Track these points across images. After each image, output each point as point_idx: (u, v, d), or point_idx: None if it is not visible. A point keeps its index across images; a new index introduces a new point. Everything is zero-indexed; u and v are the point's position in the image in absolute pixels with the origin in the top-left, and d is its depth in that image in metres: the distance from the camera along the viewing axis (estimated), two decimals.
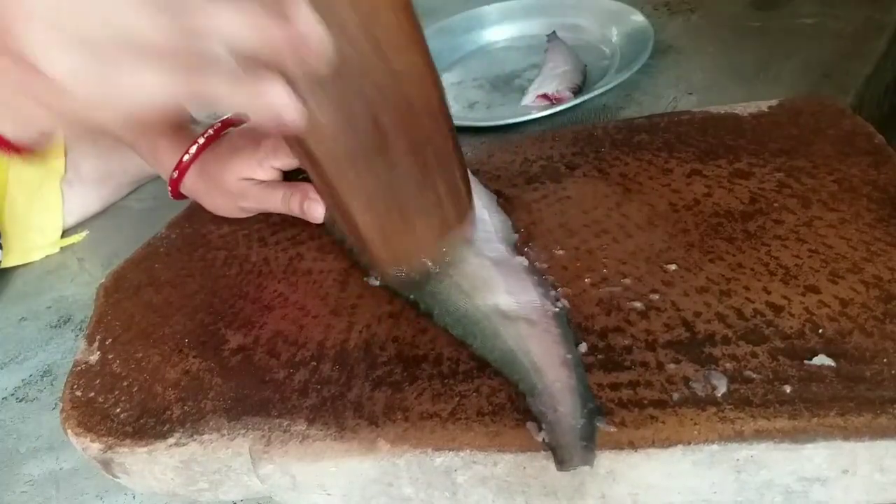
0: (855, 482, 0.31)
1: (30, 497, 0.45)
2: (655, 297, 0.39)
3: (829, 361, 0.33)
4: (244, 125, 0.55)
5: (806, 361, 0.33)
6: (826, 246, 0.40)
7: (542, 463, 0.33)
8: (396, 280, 0.43)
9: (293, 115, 0.29)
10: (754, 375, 0.33)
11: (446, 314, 0.40)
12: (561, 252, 0.43)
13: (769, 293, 0.37)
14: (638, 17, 0.75)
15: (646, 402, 0.33)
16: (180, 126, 0.55)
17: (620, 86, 0.67)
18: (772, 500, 0.33)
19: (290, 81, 0.29)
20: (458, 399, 0.35)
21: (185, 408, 0.39)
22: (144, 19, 0.27)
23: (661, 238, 0.43)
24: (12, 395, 0.54)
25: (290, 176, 0.53)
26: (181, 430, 0.38)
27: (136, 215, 0.73)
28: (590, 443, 0.32)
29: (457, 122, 0.41)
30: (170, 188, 0.55)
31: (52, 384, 0.54)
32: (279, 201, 0.51)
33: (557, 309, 0.39)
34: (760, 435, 0.31)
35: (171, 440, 0.37)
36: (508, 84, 0.77)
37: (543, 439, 0.32)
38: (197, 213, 0.56)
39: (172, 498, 0.41)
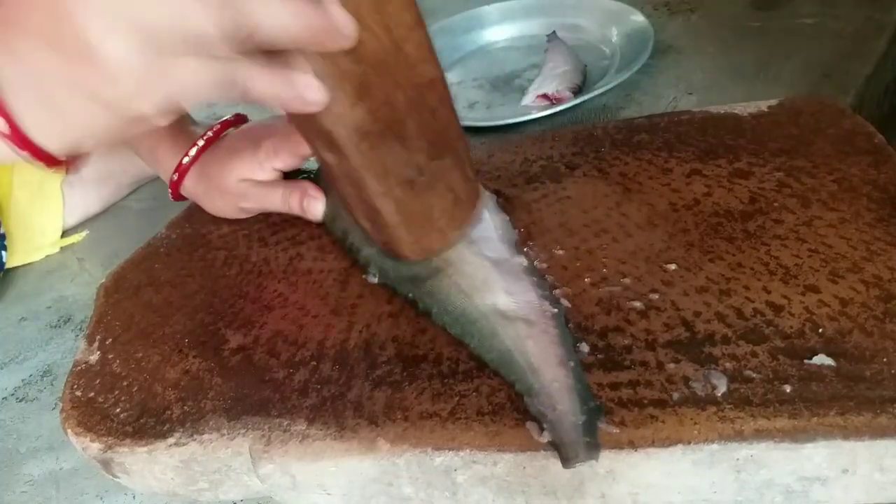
0: (855, 482, 0.31)
1: (30, 497, 0.45)
2: (655, 296, 0.39)
3: (829, 361, 0.33)
4: (244, 126, 0.55)
5: (806, 361, 0.33)
6: (826, 245, 0.40)
7: (542, 462, 0.33)
8: (396, 277, 0.43)
9: (319, 96, 0.32)
10: (754, 375, 0.33)
11: (444, 313, 0.40)
12: (561, 252, 0.43)
13: (769, 293, 0.37)
14: (638, 17, 0.75)
15: (646, 401, 0.33)
16: (180, 128, 0.55)
17: (620, 86, 0.67)
18: (772, 500, 0.33)
19: (315, 64, 0.32)
20: (457, 399, 0.35)
21: (185, 408, 0.39)
22: (196, 6, 0.28)
23: (661, 238, 0.43)
24: (12, 395, 0.54)
25: (289, 176, 0.53)
26: (181, 430, 0.38)
27: (136, 215, 0.73)
28: (593, 438, 0.32)
29: None
30: (170, 190, 0.55)
31: (52, 384, 0.54)
32: (279, 200, 0.51)
33: (556, 310, 0.39)
34: (760, 434, 0.31)
35: (171, 440, 0.37)
36: (508, 84, 0.77)
37: (547, 439, 0.32)
38: (197, 213, 0.56)
39: (172, 498, 0.41)
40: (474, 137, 0.63)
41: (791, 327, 0.35)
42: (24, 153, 0.32)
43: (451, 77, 0.79)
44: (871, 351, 0.33)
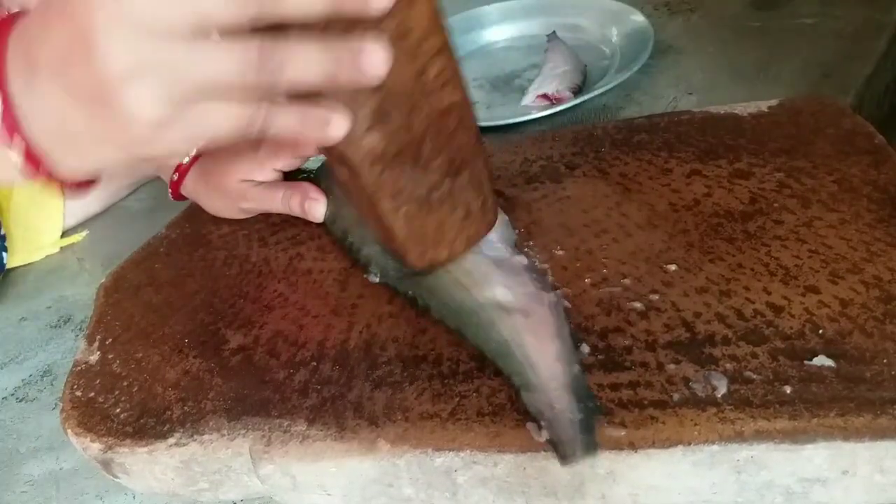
0: (855, 483, 0.31)
1: (30, 497, 0.45)
2: (655, 297, 0.39)
3: (829, 362, 0.33)
4: None
5: (806, 362, 0.33)
6: (826, 246, 0.40)
7: (543, 463, 0.33)
8: (397, 275, 0.43)
9: (340, 131, 0.31)
10: (754, 376, 0.33)
11: (443, 307, 0.40)
12: (561, 252, 0.43)
13: (769, 293, 0.37)
14: (638, 17, 0.75)
15: (646, 402, 0.33)
16: None
17: (620, 86, 0.67)
18: (772, 501, 0.33)
19: (339, 98, 0.31)
20: (458, 399, 0.35)
21: (186, 408, 0.39)
22: (233, 55, 0.27)
23: (661, 238, 0.43)
24: (12, 395, 0.54)
25: (289, 176, 0.53)
26: (181, 430, 0.38)
27: (136, 215, 0.73)
28: (591, 435, 0.32)
29: None
30: (170, 190, 0.55)
31: (52, 384, 0.54)
32: (279, 201, 0.51)
33: (554, 297, 0.39)
34: (760, 435, 0.31)
35: (171, 440, 0.37)
36: (508, 84, 0.77)
37: (545, 437, 0.32)
38: (197, 213, 0.56)
39: (172, 498, 0.41)
40: None
41: (791, 328, 0.35)
42: (40, 176, 0.32)
43: None
44: (871, 352, 0.33)
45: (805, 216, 0.42)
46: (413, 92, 0.34)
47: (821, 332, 0.35)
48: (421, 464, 0.34)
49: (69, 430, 0.40)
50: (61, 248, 0.70)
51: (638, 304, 0.38)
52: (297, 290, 0.46)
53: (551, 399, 0.33)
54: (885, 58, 0.64)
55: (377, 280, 0.44)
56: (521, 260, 0.43)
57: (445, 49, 0.34)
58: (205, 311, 0.46)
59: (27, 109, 0.30)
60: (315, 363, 0.40)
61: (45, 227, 0.71)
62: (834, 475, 0.31)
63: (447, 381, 0.36)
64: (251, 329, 0.43)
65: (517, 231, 0.45)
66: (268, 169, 0.52)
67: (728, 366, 0.34)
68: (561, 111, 0.66)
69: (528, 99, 0.71)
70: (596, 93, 0.66)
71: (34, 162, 0.31)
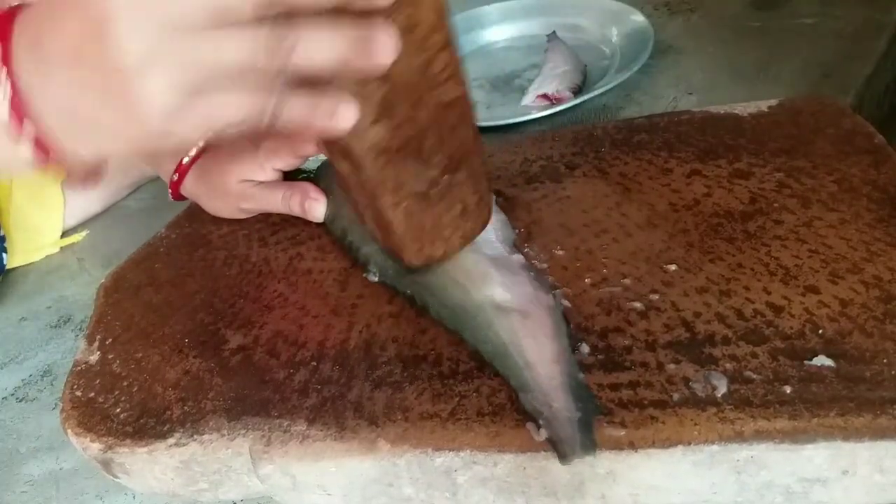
0: (855, 483, 0.31)
1: (30, 497, 0.45)
2: (655, 297, 0.39)
3: (829, 362, 0.33)
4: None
5: (806, 362, 0.33)
6: (826, 246, 0.40)
7: (543, 463, 0.33)
8: (396, 274, 0.43)
9: (349, 120, 0.31)
10: (754, 376, 0.33)
11: (442, 306, 0.40)
12: (561, 252, 0.43)
13: (769, 293, 0.37)
14: (638, 17, 0.75)
15: (646, 402, 0.33)
16: None
17: (620, 86, 0.67)
18: (772, 501, 0.33)
19: (340, 84, 0.31)
20: (458, 399, 0.35)
21: (185, 408, 0.39)
22: (245, 42, 0.27)
23: (661, 238, 0.43)
24: (12, 395, 0.54)
25: (289, 176, 0.53)
26: (181, 430, 0.38)
27: (136, 215, 0.73)
28: (589, 433, 0.32)
29: None
30: (170, 190, 0.55)
31: (52, 384, 0.54)
32: (279, 201, 0.51)
33: (551, 299, 0.39)
34: (760, 435, 0.31)
35: (171, 440, 0.37)
36: (508, 84, 0.77)
37: (543, 436, 0.32)
38: (197, 213, 0.56)
39: (172, 498, 0.41)
40: None
41: (791, 328, 0.35)
42: (51, 163, 0.32)
43: None
44: (871, 352, 0.33)
45: (805, 216, 0.42)
46: (418, 85, 0.35)
47: (821, 331, 0.35)
48: (421, 464, 0.34)
49: (69, 430, 0.40)
50: (61, 248, 0.70)
51: (638, 304, 0.38)
52: (297, 290, 0.46)
53: (549, 398, 0.33)
54: (885, 58, 0.64)
55: (376, 279, 0.45)
56: (520, 259, 0.43)
57: (450, 44, 0.35)
58: (205, 311, 0.46)
59: (38, 99, 0.30)
60: (315, 363, 0.40)
61: (45, 227, 0.71)
62: (834, 475, 0.31)
63: (447, 381, 0.36)
64: (251, 329, 0.43)
65: (517, 231, 0.46)
66: (268, 169, 0.52)
67: (728, 366, 0.34)
68: (561, 111, 0.66)
69: (528, 99, 0.71)
70: (596, 93, 0.66)
71: (44, 151, 0.31)
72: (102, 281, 0.52)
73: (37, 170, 0.32)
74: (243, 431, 0.37)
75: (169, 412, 0.39)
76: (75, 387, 0.42)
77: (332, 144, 0.38)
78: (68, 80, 0.29)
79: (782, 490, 0.32)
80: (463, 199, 0.41)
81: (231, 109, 0.29)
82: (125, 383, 0.41)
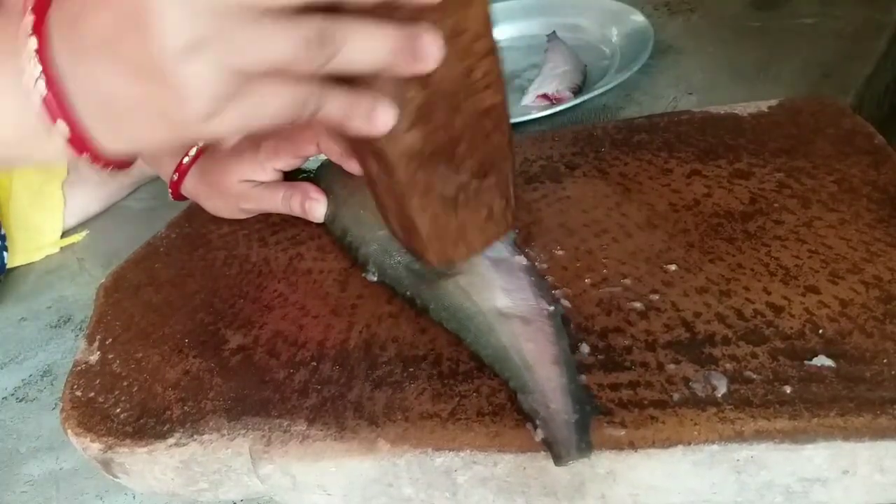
0: (855, 483, 0.31)
1: (30, 497, 0.45)
2: (655, 297, 0.39)
3: (829, 362, 0.33)
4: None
5: (806, 362, 0.33)
6: (826, 246, 0.40)
7: (542, 463, 0.33)
8: (395, 275, 0.43)
9: (389, 121, 0.31)
10: (754, 376, 0.33)
11: (442, 309, 0.40)
12: (561, 252, 0.43)
13: (769, 293, 0.37)
14: (638, 17, 0.75)
15: (646, 402, 0.33)
16: None
17: (620, 86, 0.67)
18: (772, 501, 0.33)
19: (381, 87, 0.31)
20: (458, 399, 0.35)
21: (185, 408, 0.39)
22: (289, 31, 0.27)
23: (661, 238, 0.43)
24: (12, 395, 0.54)
25: (289, 176, 0.53)
26: (181, 430, 0.38)
27: (136, 215, 0.73)
28: (585, 436, 0.32)
29: None
30: (170, 190, 0.55)
31: (52, 384, 0.54)
32: (280, 202, 0.51)
33: (552, 308, 0.39)
34: (760, 435, 0.31)
35: (171, 440, 0.37)
36: (508, 84, 0.76)
37: (539, 437, 0.32)
38: (197, 213, 0.56)
39: (172, 498, 0.41)
40: None
41: (791, 328, 0.35)
42: (85, 154, 0.31)
43: None
44: (871, 352, 0.33)
45: (805, 216, 0.42)
46: (458, 91, 0.34)
47: (821, 332, 0.35)
48: (421, 464, 0.34)
49: (69, 430, 0.40)
50: (61, 248, 0.70)
51: (638, 304, 0.38)
52: (297, 290, 0.46)
53: (547, 399, 0.33)
54: (885, 58, 0.64)
55: (375, 279, 0.45)
56: (521, 260, 0.43)
57: (493, 51, 0.35)
58: (205, 311, 0.46)
59: (74, 89, 0.29)
60: (315, 363, 0.40)
61: (46, 227, 0.71)
62: (834, 475, 0.31)
63: (447, 381, 0.36)
64: (251, 329, 0.43)
65: (517, 231, 0.45)
66: (268, 169, 0.51)
67: (728, 366, 0.34)
68: (561, 111, 0.66)
69: (528, 99, 0.71)
70: (596, 93, 0.66)
71: (79, 143, 0.31)
72: (102, 281, 0.52)
73: (70, 161, 0.32)
74: (243, 431, 0.37)
75: (169, 412, 0.39)
76: (75, 387, 0.42)
77: (363, 146, 0.37)
78: (106, 67, 0.28)
79: (782, 490, 0.32)
80: (489, 204, 0.40)
81: (273, 103, 0.29)
82: (125, 383, 0.41)
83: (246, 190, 0.52)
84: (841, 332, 0.35)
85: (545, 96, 0.69)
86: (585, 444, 0.31)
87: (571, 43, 0.78)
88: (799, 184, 0.45)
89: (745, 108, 0.53)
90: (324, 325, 0.42)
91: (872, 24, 0.68)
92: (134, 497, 0.44)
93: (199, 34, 0.26)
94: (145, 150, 0.33)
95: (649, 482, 0.32)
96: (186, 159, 0.53)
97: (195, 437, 0.37)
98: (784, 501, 0.32)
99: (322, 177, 0.52)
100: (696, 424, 0.32)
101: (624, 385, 0.34)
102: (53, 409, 0.51)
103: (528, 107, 0.70)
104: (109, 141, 0.31)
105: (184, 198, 0.56)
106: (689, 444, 0.31)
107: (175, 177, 0.54)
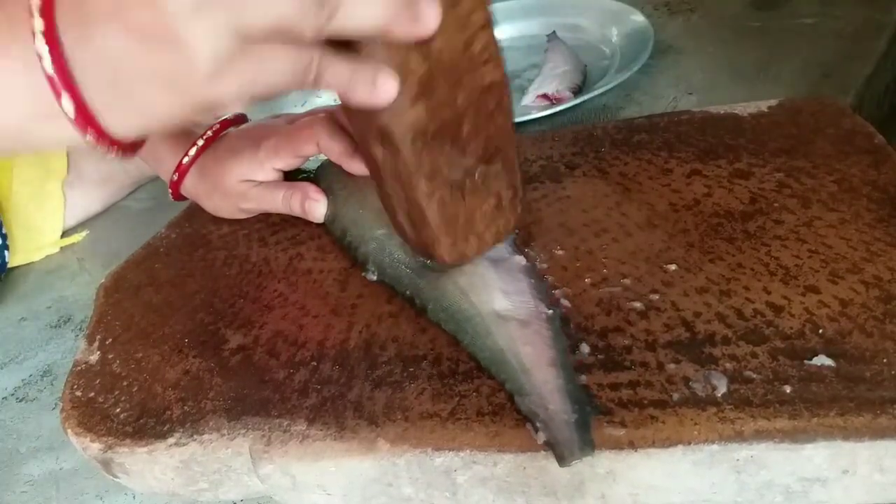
0: (855, 482, 0.31)
1: (30, 497, 0.45)
2: (655, 297, 0.39)
3: (829, 361, 0.33)
4: (244, 126, 0.55)
5: (806, 361, 0.33)
6: (826, 246, 0.40)
7: (542, 463, 0.33)
8: (394, 274, 0.43)
9: (392, 89, 0.32)
10: (754, 375, 0.33)
11: (440, 310, 0.40)
12: (561, 252, 0.43)
13: (769, 293, 0.37)
14: (638, 17, 0.75)
15: (646, 402, 0.33)
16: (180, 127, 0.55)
17: (620, 86, 0.67)
18: (772, 501, 0.33)
19: (382, 57, 0.32)
20: (457, 399, 0.35)
21: (185, 408, 0.39)
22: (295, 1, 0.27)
23: (661, 238, 0.43)
24: (12, 395, 0.54)
25: (289, 176, 0.53)
26: (181, 430, 0.38)
27: (136, 215, 0.73)
28: (586, 435, 0.32)
29: None
30: (170, 190, 0.55)
31: (52, 384, 0.54)
32: (279, 202, 0.51)
33: (550, 311, 0.39)
34: (760, 435, 0.31)
35: (171, 440, 0.37)
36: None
37: (542, 439, 0.32)
38: (197, 213, 0.56)
39: (172, 498, 0.41)
40: None
41: (791, 328, 0.35)
42: (89, 137, 0.31)
43: None
44: (871, 352, 0.33)
45: (805, 216, 0.42)
46: (459, 64, 0.34)
47: (821, 331, 0.35)
48: (421, 463, 0.34)
49: (69, 430, 0.40)
50: (61, 248, 0.70)
51: (638, 304, 0.38)
52: (297, 290, 0.46)
53: (545, 401, 0.33)
54: (885, 58, 0.64)
55: (374, 278, 0.45)
56: (520, 260, 0.43)
57: (489, 25, 0.35)
58: (205, 311, 0.46)
59: (80, 62, 0.29)
60: (315, 363, 0.40)
61: (46, 226, 0.71)
62: (834, 475, 0.31)
63: (447, 381, 0.36)
64: (251, 329, 0.43)
65: (517, 231, 0.45)
66: (268, 169, 0.52)
67: (728, 365, 0.34)
68: (561, 111, 0.66)
69: (528, 99, 0.71)
70: (596, 93, 0.66)
71: (84, 122, 0.30)
72: (102, 281, 0.52)
73: (78, 141, 0.32)
74: (243, 431, 0.37)
75: (169, 412, 0.39)
76: (75, 387, 0.42)
77: (367, 128, 0.37)
78: (114, 36, 0.28)
79: (782, 489, 0.32)
80: (497, 192, 0.40)
81: (275, 67, 0.29)
82: (125, 383, 0.41)
83: (246, 190, 0.52)
84: (841, 332, 0.35)
85: (545, 96, 0.69)
86: (587, 443, 0.31)
87: (571, 43, 0.78)
88: (799, 184, 0.45)
89: (745, 108, 0.53)
90: (324, 325, 0.42)
91: (872, 24, 0.68)
92: (134, 497, 0.44)
93: None
94: (153, 127, 0.32)
95: (649, 482, 0.32)
96: (186, 159, 0.53)
97: (195, 436, 0.37)
98: (784, 501, 0.32)
99: (322, 177, 0.52)
100: (696, 424, 0.32)
101: (624, 385, 0.34)
102: (53, 409, 0.51)
103: (528, 107, 0.70)
104: (117, 119, 0.31)
105: (184, 198, 0.56)
106: (689, 443, 0.31)
107: (175, 177, 0.54)
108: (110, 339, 0.45)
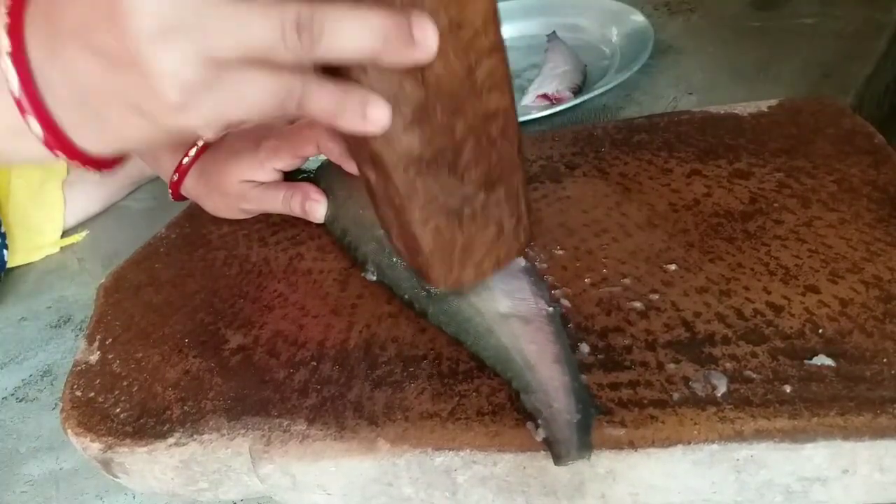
0: (855, 482, 0.31)
1: (30, 497, 0.45)
2: (655, 297, 0.39)
3: (828, 361, 0.33)
4: (244, 126, 0.55)
5: (806, 361, 0.33)
6: (826, 246, 0.40)
7: (542, 463, 0.33)
8: (393, 276, 0.43)
9: (382, 115, 0.29)
10: (754, 375, 0.33)
11: (441, 312, 0.40)
12: (561, 252, 0.43)
13: (769, 293, 0.37)
14: (638, 17, 0.75)
15: (646, 401, 0.33)
16: None
17: (620, 86, 0.67)
18: (772, 500, 0.33)
19: (374, 82, 0.29)
20: (457, 399, 0.35)
21: (185, 408, 0.39)
22: (267, 14, 0.26)
23: (661, 238, 0.43)
24: (12, 395, 0.54)
25: (289, 176, 0.53)
26: (181, 430, 0.38)
27: (136, 215, 0.73)
28: (586, 436, 0.32)
29: None
30: (170, 190, 0.55)
31: (52, 384, 0.54)
32: (280, 202, 0.51)
33: (551, 309, 0.39)
34: (760, 435, 0.31)
35: (171, 440, 0.37)
36: None
37: (541, 436, 0.32)
38: (197, 213, 0.56)
39: (172, 498, 0.41)
40: None
41: (791, 328, 0.35)
42: (61, 155, 0.30)
43: None
44: (871, 351, 0.33)
45: (805, 216, 0.42)
46: (460, 91, 0.32)
47: (821, 331, 0.35)
48: (421, 463, 0.34)
49: (69, 430, 0.40)
50: (61, 248, 0.70)
51: (638, 304, 0.38)
52: (297, 290, 0.46)
53: (550, 398, 0.33)
54: (885, 58, 0.64)
55: (374, 278, 0.45)
56: (520, 262, 0.43)
57: (498, 49, 0.33)
58: (205, 311, 0.46)
59: (49, 81, 0.28)
60: (315, 363, 0.40)
61: (46, 227, 0.71)
62: (834, 474, 0.31)
63: (447, 381, 0.36)
64: (251, 329, 0.43)
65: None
66: (268, 169, 0.51)
67: (728, 365, 0.34)
68: (561, 111, 0.66)
69: (528, 99, 0.71)
70: (596, 93, 0.66)
71: (54, 143, 0.30)
72: (102, 281, 0.52)
73: (51, 159, 0.31)
74: (243, 431, 0.37)
75: (169, 412, 0.39)
76: (75, 387, 0.42)
77: (360, 150, 0.35)
78: (81, 58, 0.27)
79: (782, 489, 0.32)
80: (498, 221, 0.38)
81: (251, 94, 0.27)
82: (125, 383, 0.41)
83: (246, 190, 0.52)
84: (841, 332, 0.35)
85: (545, 96, 0.69)
86: (585, 445, 0.31)
87: (571, 43, 0.78)
88: (799, 183, 0.45)
89: (745, 108, 0.53)
90: (324, 325, 0.42)
91: (872, 24, 0.68)
92: (134, 497, 0.44)
93: (171, 19, 0.25)
94: (128, 147, 0.31)
95: (649, 481, 0.32)
96: (186, 159, 0.53)
97: (195, 436, 0.37)
98: (784, 501, 0.32)
99: (322, 177, 0.52)
100: (695, 424, 0.32)
101: (624, 384, 0.34)
102: (53, 409, 0.51)
103: (528, 107, 0.70)
104: (88, 140, 0.30)
105: (184, 198, 0.56)
106: (689, 443, 0.31)
107: (175, 177, 0.54)
108: (110, 339, 0.45)
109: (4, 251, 0.67)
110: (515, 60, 0.80)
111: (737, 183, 0.46)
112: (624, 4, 0.79)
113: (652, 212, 0.45)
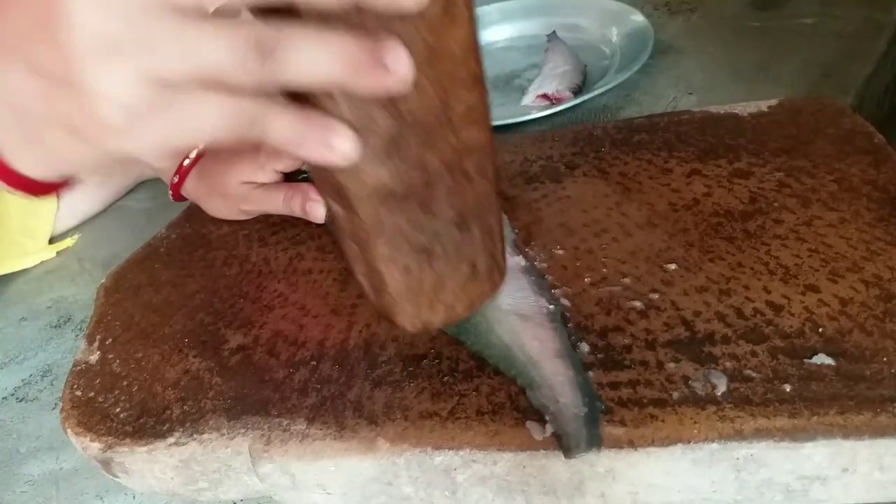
0: (855, 481, 0.31)
1: (30, 497, 0.45)
2: (655, 296, 0.39)
3: (828, 360, 0.33)
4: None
5: (806, 360, 0.33)
6: (826, 245, 0.40)
7: (542, 462, 0.33)
8: None
9: (350, 147, 0.26)
10: (754, 374, 0.33)
11: None
12: (561, 252, 0.43)
13: (769, 292, 0.37)
14: (638, 17, 0.75)
15: (645, 400, 0.33)
16: None
17: (620, 86, 0.67)
18: (772, 499, 0.33)
19: (341, 111, 0.27)
20: (457, 398, 0.35)
21: (185, 407, 0.39)
22: (219, 34, 0.23)
23: (661, 237, 0.43)
24: (12, 395, 0.54)
25: (290, 177, 0.53)
26: (181, 430, 0.38)
27: (136, 215, 0.73)
28: (595, 429, 0.32)
29: None
30: (170, 191, 0.55)
31: (52, 384, 0.54)
32: (280, 203, 0.51)
33: (552, 307, 0.39)
34: (760, 433, 0.31)
35: (170, 440, 0.37)
36: (508, 84, 0.77)
37: (549, 431, 0.32)
38: (197, 213, 0.56)
39: (172, 497, 0.41)
40: None
41: (791, 327, 0.35)
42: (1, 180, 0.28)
43: None
44: (870, 350, 0.33)
45: (805, 215, 0.42)
46: (435, 125, 0.29)
47: (820, 330, 0.35)
48: (420, 462, 0.34)
49: (69, 430, 0.40)
50: (58, 252, 0.70)
51: (638, 303, 0.38)
52: (297, 290, 0.46)
53: (556, 393, 0.34)
54: (885, 58, 0.64)
55: None
56: (519, 261, 0.43)
57: (479, 82, 0.31)
58: (205, 311, 0.46)
59: None
60: (315, 363, 0.40)
61: (35, 231, 0.70)
62: (834, 473, 0.31)
63: (446, 380, 0.36)
64: (251, 329, 0.43)
65: (517, 231, 0.46)
66: (268, 170, 0.52)
67: (728, 364, 0.34)
68: (561, 111, 0.66)
69: (528, 99, 0.71)
70: (596, 93, 0.66)
71: None
72: (102, 281, 0.52)
73: None
74: (243, 431, 0.37)
75: (169, 412, 0.39)
76: (75, 387, 0.42)
77: (324, 181, 0.32)
78: (15, 72, 0.25)
79: (782, 488, 0.32)
80: (472, 260, 0.35)
81: (202, 120, 0.25)
82: (125, 383, 0.41)
83: (246, 191, 0.52)
84: (841, 331, 0.35)
85: (545, 96, 0.69)
86: (595, 437, 0.31)
87: (571, 43, 0.78)
88: (799, 183, 0.45)
89: (745, 108, 0.53)
90: (324, 325, 0.42)
91: (872, 24, 0.68)
92: (134, 497, 0.44)
93: (114, 35, 0.23)
94: (71, 172, 0.29)
95: (649, 480, 0.32)
96: (187, 161, 0.54)
97: (195, 436, 0.37)
98: (784, 500, 0.32)
99: None
100: (695, 423, 0.32)
101: (623, 384, 0.34)
102: (53, 409, 0.51)
103: (528, 107, 0.70)
104: (29, 162, 0.28)
105: (184, 199, 0.56)
106: (689, 442, 0.31)
107: (175, 178, 0.54)
108: (110, 339, 0.45)
109: None
110: (515, 60, 0.81)
111: (737, 182, 0.46)
112: (624, 4, 0.79)
113: (652, 211, 0.45)
